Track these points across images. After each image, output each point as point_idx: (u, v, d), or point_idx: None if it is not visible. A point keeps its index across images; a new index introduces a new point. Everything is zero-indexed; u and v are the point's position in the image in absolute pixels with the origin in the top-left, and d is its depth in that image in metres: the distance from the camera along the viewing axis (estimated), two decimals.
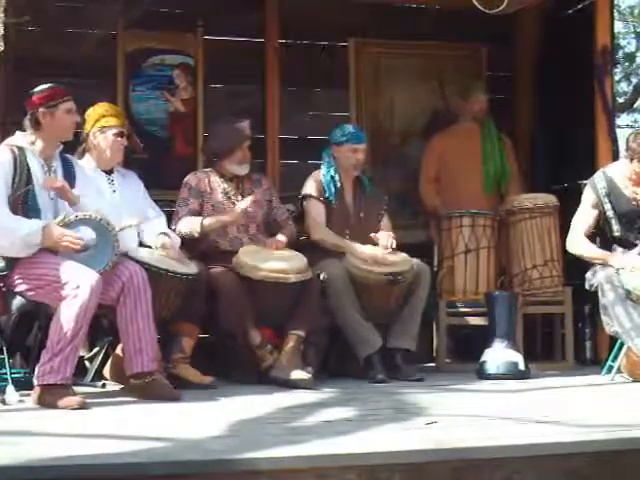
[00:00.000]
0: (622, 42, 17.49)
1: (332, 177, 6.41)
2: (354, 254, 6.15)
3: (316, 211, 6.38)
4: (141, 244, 5.63)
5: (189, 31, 7.23)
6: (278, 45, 7.35)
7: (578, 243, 6.00)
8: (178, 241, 5.76)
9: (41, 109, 5.07)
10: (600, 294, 5.71)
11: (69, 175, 5.20)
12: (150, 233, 5.65)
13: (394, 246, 6.20)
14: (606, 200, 5.95)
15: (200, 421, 4.31)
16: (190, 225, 5.97)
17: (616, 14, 13.08)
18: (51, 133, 5.11)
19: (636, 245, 5.86)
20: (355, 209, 6.47)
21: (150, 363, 5.06)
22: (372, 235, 6.21)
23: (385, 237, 6.22)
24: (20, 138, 5.12)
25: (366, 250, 6.16)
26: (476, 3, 6.12)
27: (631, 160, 5.87)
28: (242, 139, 6.20)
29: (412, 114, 7.78)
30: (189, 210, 6.09)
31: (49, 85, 5.18)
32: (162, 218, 5.84)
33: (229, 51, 7.30)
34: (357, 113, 7.66)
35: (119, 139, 5.78)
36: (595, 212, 5.99)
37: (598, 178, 6.03)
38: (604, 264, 5.77)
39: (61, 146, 5.24)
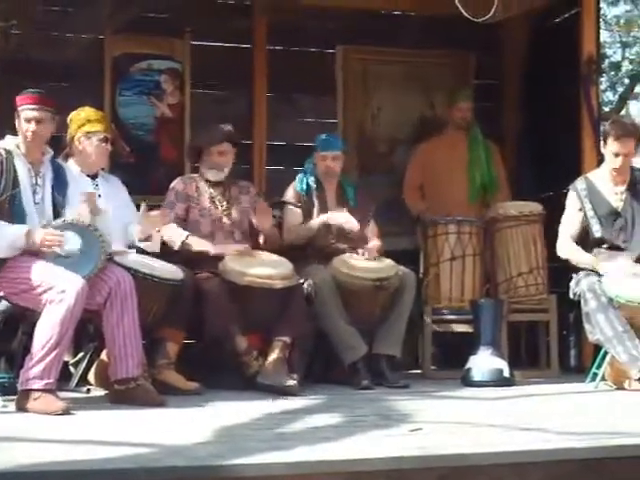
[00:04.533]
0: (608, 51, 17.57)
1: (305, 181, 6.44)
2: (331, 220, 6.26)
3: (291, 217, 6.39)
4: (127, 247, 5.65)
5: (177, 36, 7.23)
6: (266, 51, 7.36)
7: (566, 247, 6.04)
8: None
9: (16, 113, 5.11)
10: (583, 302, 5.73)
11: (60, 182, 5.20)
12: (135, 231, 5.67)
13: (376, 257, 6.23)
14: (587, 201, 6.00)
15: (185, 427, 4.30)
16: (173, 236, 5.96)
17: (602, 23, 13.12)
18: (22, 138, 5.12)
19: (618, 246, 5.89)
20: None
21: (135, 369, 5.05)
22: (359, 251, 6.24)
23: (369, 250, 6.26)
24: (9, 141, 5.13)
25: (341, 216, 6.28)
26: (463, 11, 6.13)
27: (604, 142, 5.91)
28: (218, 139, 6.16)
29: (399, 121, 7.80)
30: (175, 214, 6.09)
31: (27, 90, 5.18)
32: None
33: (216, 57, 7.30)
34: (344, 120, 7.68)
35: (104, 144, 5.78)
36: (579, 215, 6.03)
37: (579, 181, 6.11)
38: (591, 270, 5.79)
39: (51, 152, 5.23)
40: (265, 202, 6.25)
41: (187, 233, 6.00)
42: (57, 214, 5.12)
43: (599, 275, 5.72)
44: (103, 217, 5.27)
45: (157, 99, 7.22)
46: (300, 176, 6.50)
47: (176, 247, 5.96)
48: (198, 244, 5.99)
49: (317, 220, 6.34)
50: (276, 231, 6.32)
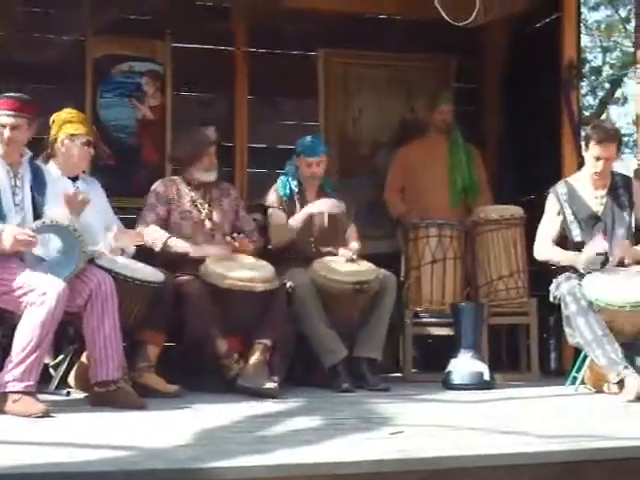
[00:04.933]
0: (589, 56, 17.66)
1: (289, 185, 6.44)
2: (314, 210, 6.29)
3: (277, 219, 6.39)
4: None
5: (158, 38, 7.22)
6: (247, 53, 7.36)
7: (544, 249, 6.05)
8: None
9: None
10: (563, 306, 5.75)
11: (39, 182, 5.19)
12: (107, 243, 5.64)
13: (354, 257, 6.24)
14: (567, 205, 6.02)
15: (165, 430, 4.29)
16: (154, 237, 5.95)
17: (583, 28, 13.17)
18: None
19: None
20: (320, 217, 6.47)
21: (115, 371, 5.04)
22: (340, 251, 6.25)
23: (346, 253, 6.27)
24: None
25: (324, 204, 6.33)
26: (444, 15, 6.16)
27: (586, 146, 5.94)
28: (206, 145, 6.19)
29: (380, 124, 7.81)
30: (156, 215, 6.08)
31: (4, 95, 5.17)
32: (120, 226, 5.83)
33: (198, 59, 7.29)
34: (325, 122, 7.69)
35: (86, 148, 5.77)
36: (559, 219, 6.05)
37: (559, 185, 6.12)
38: (572, 273, 5.81)
39: (29, 153, 5.22)
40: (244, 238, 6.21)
41: (168, 235, 5.99)
42: (37, 215, 5.11)
43: (580, 277, 5.74)
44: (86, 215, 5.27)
45: (138, 101, 7.21)
46: (283, 180, 6.49)
47: (157, 249, 5.96)
48: (179, 246, 5.98)
49: (301, 213, 6.34)
50: (259, 237, 6.32)
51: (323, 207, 6.35)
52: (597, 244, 5.76)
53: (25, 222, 5.03)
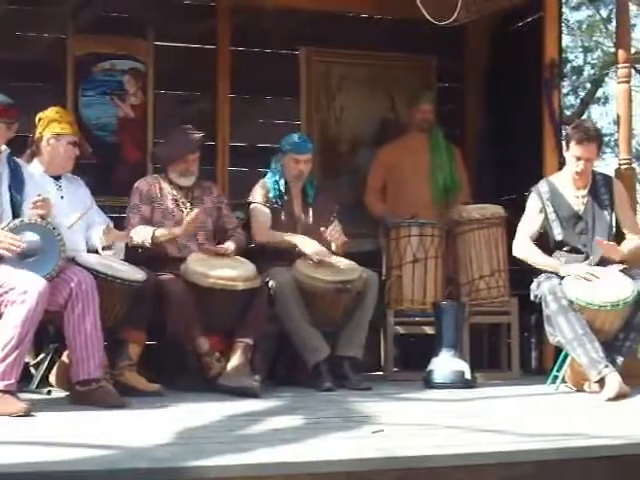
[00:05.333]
0: (570, 56, 17.71)
1: (277, 183, 6.43)
2: (302, 247, 6.19)
3: (262, 217, 6.38)
4: (89, 250, 5.62)
5: (140, 36, 7.20)
6: (229, 52, 7.36)
7: (523, 247, 6.06)
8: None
9: None
10: (544, 305, 5.76)
11: (17, 180, 5.17)
12: (97, 238, 5.63)
13: (343, 238, 6.24)
14: (549, 204, 6.04)
15: (146, 429, 4.28)
16: (143, 235, 5.94)
17: (564, 28, 13.20)
18: None
19: (578, 249, 5.93)
20: (303, 217, 6.49)
21: (96, 370, 5.03)
22: (322, 230, 6.23)
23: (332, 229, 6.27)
24: None
25: (312, 246, 6.20)
26: (426, 14, 6.16)
27: (567, 145, 5.96)
28: (186, 151, 6.15)
29: (362, 123, 7.81)
30: (141, 216, 6.07)
31: None
32: (110, 224, 5.81)
33: (180, 57, 7.28)
34: (307, 121, 7.68)
35: (72, 148, 5.75)
36: (540, 217, 6.07)
37: (542, 184, 6.14)
38: (552, 272, 5.83)
39: (7, 150, 5.20)
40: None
41: (153, 229, 5.97)
42: (16, 213, 5.09)
43: (560, 277, 5.76)
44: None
45: (120, 100, 7.19)
46: (272, 179, 6.46)
47: (148, 244, 5.94)
48: (166, 234, 5.97)
49: (288, 239, 6.30)
50: (242, 235, 6.32)
51: (308, 250, 6.21)
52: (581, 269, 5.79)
53: (2, 220, 5.01)
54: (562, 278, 5.74)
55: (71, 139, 5.75)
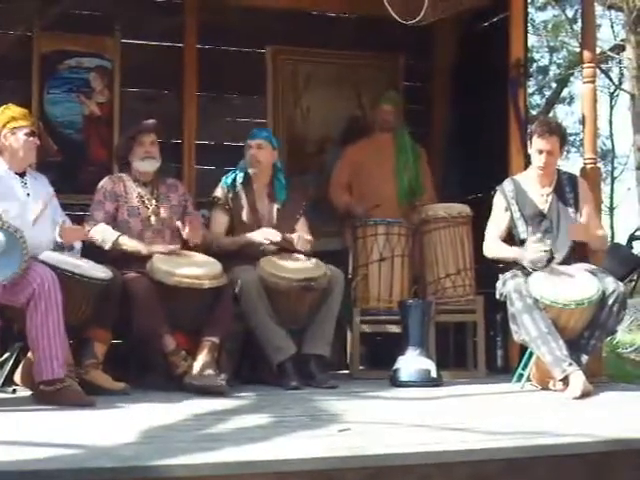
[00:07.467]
0: (536, 55, 17.84)
1: (233, 177, 6.44)
2: (252, 238, 6.23)
3: (215, 226, 6.40)
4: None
5: (107, 34, 7.17)
6: (196, 50, 7.34)
7: (492, 247, 6.09)
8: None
9: None
10: (509, 303, 5.79)
11: None
12: (57, 235, 5.61)
13: (308, 248, 6.25)
14: (513, 202, 6.07)
15: (112, 427, 4.27)
16: (104, 236, 5.92)
17: (530, 28, 13.29)
18: None
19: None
20: (267, 213, 6.48)
21: (60, 369, 5.00)
22: (287, 235, 6.25)
23: (297, 238, 6.26)
24: None
25: (260, 233, 6.26)
26: (393, 13, 6.17)
27: (530, 141, 6.00)
28: (138, 133, 6.14)
29: (329, 122, 7.83)
30: (105, 213, 6.05)
31: None
32: (67, 220, 5.79)
33: (147, 55, 7.26)
34: (274, 120, 7.68)
35: (31, 139, 5.71)
36: (506, 215, 6.10)
37: (506, 183, 6.17)
38: (518, 270, 5.86)
39: None
40: (196, 216, 6.22)
41: (118, 234, 5.96)
42: None
43: (525, 276, 5.79)
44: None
45: (86, 97, 7.16)
46: (229, 173, 6.49)
47: (107, 247, 5.92)
48: (130, 245, 5.95)
49: (240, 240, 6.32)
50: (207, 233, 6.31)
51: (258, 238, 6.27)
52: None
53: None
54: (528, 275, 5.77)
55: (28, 130, 5.69)
